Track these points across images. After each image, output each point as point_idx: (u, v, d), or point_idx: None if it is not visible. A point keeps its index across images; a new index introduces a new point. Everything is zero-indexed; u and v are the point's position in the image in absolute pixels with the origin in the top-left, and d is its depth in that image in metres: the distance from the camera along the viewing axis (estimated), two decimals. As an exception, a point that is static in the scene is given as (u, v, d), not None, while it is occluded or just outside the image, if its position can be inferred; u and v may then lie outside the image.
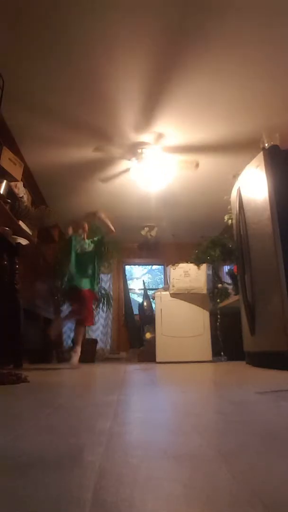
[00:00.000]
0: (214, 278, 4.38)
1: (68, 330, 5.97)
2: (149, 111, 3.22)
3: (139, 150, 3.76)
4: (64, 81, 2.84)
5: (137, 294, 7.41)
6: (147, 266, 8.52)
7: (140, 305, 5.79)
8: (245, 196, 2.92)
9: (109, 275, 6.33)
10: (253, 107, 3.18)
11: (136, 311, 6.07)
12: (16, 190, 3.23)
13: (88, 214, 3.64)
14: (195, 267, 4.22)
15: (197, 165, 3.89)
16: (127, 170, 4.05)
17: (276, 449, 0.56)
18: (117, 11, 2.25)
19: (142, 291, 6.09)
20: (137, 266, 8.35)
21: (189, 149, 3.80)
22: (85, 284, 3.39)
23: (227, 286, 4.17)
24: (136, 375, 2.27)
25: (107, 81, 2.85)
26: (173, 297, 4.19)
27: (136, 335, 5.78)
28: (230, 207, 3.44)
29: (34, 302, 3.91)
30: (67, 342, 5.50)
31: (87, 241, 3.64)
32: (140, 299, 6.34)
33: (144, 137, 3.61)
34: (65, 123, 3.35)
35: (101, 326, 6.21)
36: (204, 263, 4.24)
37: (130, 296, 6.51)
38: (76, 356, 3.18)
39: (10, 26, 2.34)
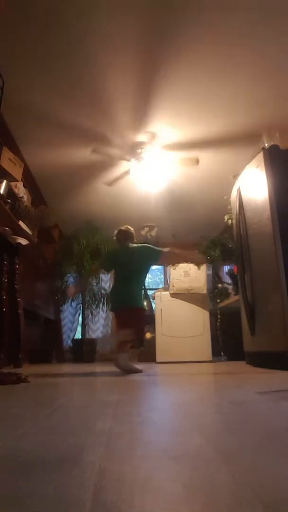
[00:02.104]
0: (214, 278, 4.39)
1: (68, 330, 5.98)
2: (146, 111, 3.23)
3: (139, 150, 3.76)
4: (64, 82, 2.84)
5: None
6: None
7: (140, 305, 5.78)
8: (245, 196, 2.92)
9: (109, 275, 6.32)
10: (250, 100, 3.15)
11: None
12: (16, 190, 3.22)
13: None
14: (195, 267, 4.22)
15: (197, 161, 3.87)
16: (128, 172, 4.05)
17: (276, 449, 0.56)
18: (109, 12, 2.25)
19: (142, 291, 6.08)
20: (137, 266, 8.33)
21: (189, 146, 3.78)
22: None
23: (227, 286, 4.18)
24: (136, 375, 2.27)
25: (104, 82, 2.86)
26: (173, 297, 4.19)
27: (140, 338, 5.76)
28: (230, 207, 3.44)
29: (34, 302, 3.92)
30: (67, 342, 5.51)
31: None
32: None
33: (141, 136, 3.61)
34: (65, 123, 3.35)
35: (101, 326, 6.21)
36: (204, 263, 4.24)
37: (130, 296, 6.50)
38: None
39: (11, 27, 2.34)
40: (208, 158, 4.00)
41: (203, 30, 2.42)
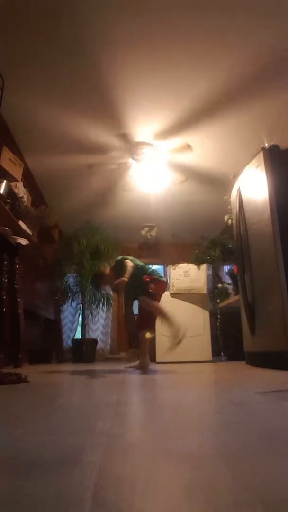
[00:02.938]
0: (214, 278, 4.39)
1: (68, 330, 5.97)
2: (146, 111, 3.23)
3: (140, 150, 3.76)
4: (63, 82, 2.84)
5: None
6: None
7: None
8: (245, 196, 2.92)
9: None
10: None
11: (136, 311, 6.06)
12: (16, 190, 3.22)
13: None
14: (195, 267, 4.22)
15: (188, 146, 3.80)
16: (128, 171, 4.05)
17: (276, 449, 0.56)
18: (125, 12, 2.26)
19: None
20: (137, 266, 8.34)
21: (177, 130, 3.70)
22: None
23: (227, 286, 4.18)
24: (136, 375, 2.27)
25: (104, 81, 2.86)
26: (173, 297, 4.18)
27: (136, 335, 5.77)
28: (230, 207, 3.44)
29: (34, 302, 3.91)
30: (67, 342, 5.50)
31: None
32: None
33: (142, 136, 3.61)
34: (65, 123, 3.35)
35: (101, 326, 6.21)
36: (204, 263, 4.24)
37: (130, 296, 6.49)
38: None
39: (12, 28, 2.35)
40: (199, 142, 3.98)
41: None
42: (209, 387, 1.64)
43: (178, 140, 3.70)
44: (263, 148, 2.67)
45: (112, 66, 2.71)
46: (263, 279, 2.62)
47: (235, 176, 3.17)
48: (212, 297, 4.21)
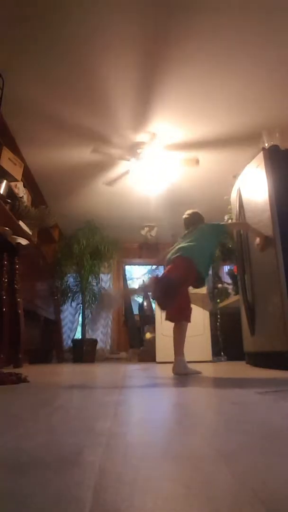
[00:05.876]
0: (214, 278, 4.39)
1: (68, 330, 5.97)
2: (146, 110, 3.24)
3: (138, 150, 3.76)
4: (64, 82, 2.85)
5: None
6: (147, 266, 8.52)
7: (140, 305, 5.79)
8: (245, 196, 2.92)
9: (109, 275, 6.33)
10: (252, 99, 3.16)
11: (136, 311, 6.07)
12: (16, 190, 3.23)
13: None
14: (195, 267, 4.21)
15: (197, 161, 3.89)
16: (128, 172, 4.06)
17: (276, 449, 0.55)
18: (111, 11, 2.27)
19: (142, 291, 6.07)
20: (137, 266, 8.34)
21: (189, 146, 3.80)
22: None
23: (227, 286, 4.17)
24: (136, 376, 2.27)
25: (105, 82, 2.86)
26: (173, 297, 4.18)
27: (136, 335, 5.78)
28: (230, 207, 3.44)
29: (34, 302, 3.91)
30: (67, 342, 5.50)
31: None
32: (140, 299, 6.35)
33: (141, 136, 3.62)
34: (65, 123, 3.36)
35: (101, 326, 6.22)
36: (204, 263, 4.23)
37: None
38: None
39: (11, 26, 2.34)
40: (208, 158, 4.01)
41: (203, 30, 2.43)
42: (209, 387, 1.64)
43: (188, 153, 3.74)
44: (263, 148, 2.67)
45: (112, 66, 2.71)
46: (263, 279, 2.62)
47: (235, 176, 3.17)
48: (212, 297, 4.21)
